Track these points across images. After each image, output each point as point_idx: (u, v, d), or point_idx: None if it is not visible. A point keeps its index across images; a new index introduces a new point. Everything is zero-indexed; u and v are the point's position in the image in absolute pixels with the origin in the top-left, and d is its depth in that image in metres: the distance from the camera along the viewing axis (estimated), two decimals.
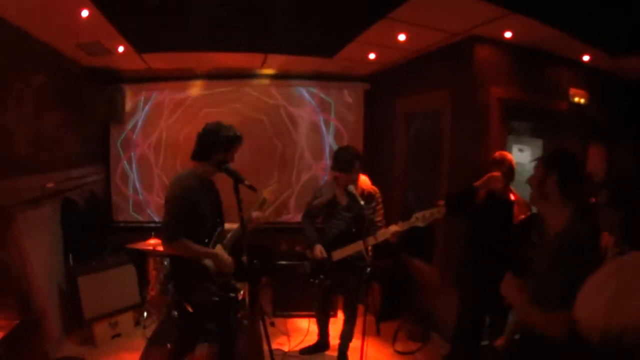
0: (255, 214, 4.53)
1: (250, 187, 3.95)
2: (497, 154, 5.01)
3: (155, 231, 6.56)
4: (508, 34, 5.20)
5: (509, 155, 4.99)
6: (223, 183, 4.22)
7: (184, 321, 4.45)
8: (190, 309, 4.21)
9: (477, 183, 4.79)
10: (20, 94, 5.19)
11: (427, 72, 6.49)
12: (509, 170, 4.85)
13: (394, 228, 4.83)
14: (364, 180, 5.27)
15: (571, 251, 2.54)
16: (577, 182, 2.77)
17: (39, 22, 4.93)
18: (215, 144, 4.02)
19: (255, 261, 4.12)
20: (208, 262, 4.17)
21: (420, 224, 4.67)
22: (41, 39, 5.49)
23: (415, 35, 5.50)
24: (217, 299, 4.15)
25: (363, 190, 5.15)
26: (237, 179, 3.90)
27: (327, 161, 8.26)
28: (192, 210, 3.95)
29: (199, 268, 4.12)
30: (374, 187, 5.29)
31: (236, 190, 3.89)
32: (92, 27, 5.11)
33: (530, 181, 2.91)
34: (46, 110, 5.81)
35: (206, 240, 4.17)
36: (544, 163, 2.82)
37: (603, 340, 1.64)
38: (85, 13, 4.64)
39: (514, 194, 4.96)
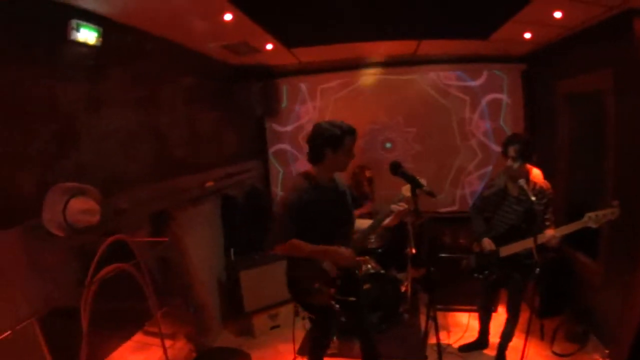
0: (394, 206, 4.17)
1: (430, 193, 3.82)
2: None
3: None
4: None
5: None
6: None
7: (311, 324, 4.41)
8: (311, 315, 4.22)
9: None
10: (173, 100, 5.46)
11: (587, 50, 5.93)
12: None
13: (550, 232, 4.61)
14: (536, 174, 4.97)
15: None
16: None
17: (184, 31, 5.09)
18: (321, 144, 3.93)
19: (433, 269, 3.94)
20: (327, 264, 4.07)
21: (593, 225, 4.34)
22: (188, 46, 5.67)
23: (571, 11, 5.07)
24: (335, 303, 4.05)
25: (535, 185, 4.85)
26: (415, 184, 3.78)
27: (493, 148, 7.92)
28: (305, 215, 3.87)
29: (315, 271, 4.05)
30: (546, 182, 4.95)
31: (414, 195, 3.79)
32: (237, 29, 5.20)
33: None
34: (200, 112, 6.06)
35: (325, 241, 4.00)
36: None
37: None
38: (228, 17, 4.71)
39: None
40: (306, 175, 4.05)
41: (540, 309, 6.05)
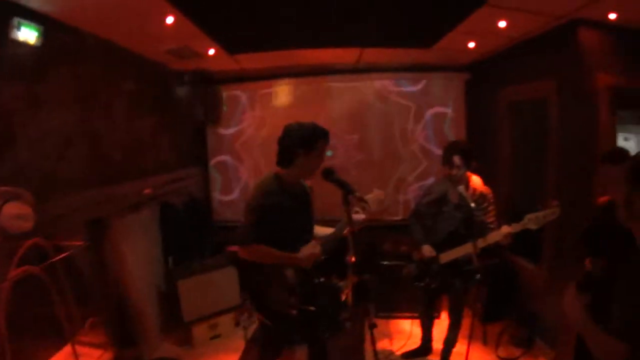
0: (359, 216, 4.15)
1: (361, 200, 3.74)
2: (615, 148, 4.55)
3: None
4: (612, 16, 4.80)
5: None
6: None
7: (264, 331, 4.30)
8: (267, 322, 4.05)
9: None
10: (112, 103, 5.34)
11: (531, 59, 6.13)
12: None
13: (506, 229, 4.53)
14: (475, 180, 5.03)
15: None
16: None
17: (125, 32, 4.99)
18: (292, 146, 3.75)
19: (367, 275, 3.77)
20: (289, 272, 3.94)
21: (533, 226, 4.37)
22: (129, 48, 5.57)
23: (516, 21, 5.19)
24: (294, 312, 3.89)
25: (474, 191, 4.91)
26: (347, 190, 3.57)
27: (436, 156, 7.87)
28: (272, 217, 3.71)
29: (277, 277, 3.92)
30: (486, 188, 5.03)
31: (346, 203, 3.57)
32: (180, 33, 5.13)
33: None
34: (140, 117, 5.97)
35: (289, 249, 3.87)
36: (629, 178, 2.26)
37: None
38: (170, 20, 4.63)
39: None
40: (276, 176, 3.89)
41: (483, 315, 6.14)
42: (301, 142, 3.73)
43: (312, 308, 3.98)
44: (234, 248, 3.97)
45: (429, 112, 8.03)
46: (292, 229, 3.90)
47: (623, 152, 4.10)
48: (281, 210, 3.77)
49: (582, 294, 2.49)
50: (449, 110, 8.03)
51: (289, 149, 3.77)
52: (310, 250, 3.92)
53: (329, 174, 3.63)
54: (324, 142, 3.83)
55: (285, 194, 3.84)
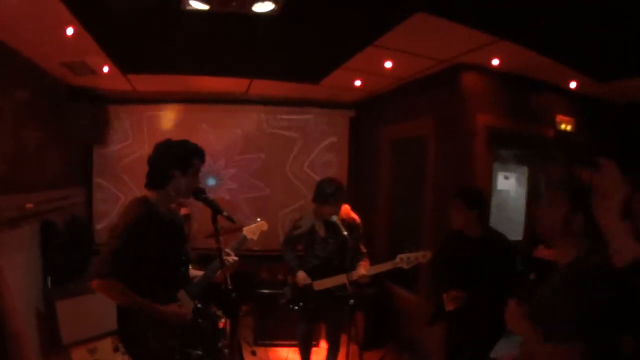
0: (231, 258, 3.81)
1: (229, 219, 3.44)
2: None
3: None
4: (495, 62, 5.20)
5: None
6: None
7: None
8: None
9: None
10: (0, 110, 5.10)
11: (414, 99, 6.49)
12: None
13: (362, 272, 4.80)
14: (344, 208, 5.19)
15: (583, 279, 2.41)
16: None
17: (23, 37, 4.84)
18: (166, 166, 3.39)
19: (234, 294, 3.50)
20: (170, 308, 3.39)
21: (404, 266, 4.60)
22: (25, 54, 5.41)
23: (402, 62, 5.52)
24: (178, 357, 3.36)
25: (343, 220, 5.01)
26: (216, 210, 3.40)
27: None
28: (136, 248, 3.15)
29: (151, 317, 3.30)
30: (355, 216, 5.23)
31: (214, 221, 3.40)
32: (77, 45, 5.05)
33: (549, 221, 2.63)
34: (28, 129, 5.72)
35: (161, 285, 3.37)
36: (571, 202, 2.42)
37: None
38: (70, 31, 4.55)
39: None
40: (144, 200, 3.40)
41: (363, 342, 6.25)
42: (177, 161, 3.41)
43: (199, 352, 3.50)
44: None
45: (315, 147, 8.29)
46: (160, 265, 3.38)
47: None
48: (146, 242, 3.24)
49: (521, 304, 2.68)
50: (334, 140, 8.32)
51: (163, 169, 3.42)
52: (179, 312, 3.43)
53: (199, 193, 3.47)
54: (200, 160, 3.54)
55: (153, 222, 3.34)
